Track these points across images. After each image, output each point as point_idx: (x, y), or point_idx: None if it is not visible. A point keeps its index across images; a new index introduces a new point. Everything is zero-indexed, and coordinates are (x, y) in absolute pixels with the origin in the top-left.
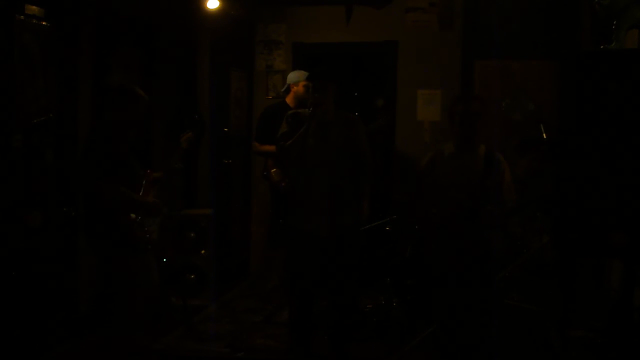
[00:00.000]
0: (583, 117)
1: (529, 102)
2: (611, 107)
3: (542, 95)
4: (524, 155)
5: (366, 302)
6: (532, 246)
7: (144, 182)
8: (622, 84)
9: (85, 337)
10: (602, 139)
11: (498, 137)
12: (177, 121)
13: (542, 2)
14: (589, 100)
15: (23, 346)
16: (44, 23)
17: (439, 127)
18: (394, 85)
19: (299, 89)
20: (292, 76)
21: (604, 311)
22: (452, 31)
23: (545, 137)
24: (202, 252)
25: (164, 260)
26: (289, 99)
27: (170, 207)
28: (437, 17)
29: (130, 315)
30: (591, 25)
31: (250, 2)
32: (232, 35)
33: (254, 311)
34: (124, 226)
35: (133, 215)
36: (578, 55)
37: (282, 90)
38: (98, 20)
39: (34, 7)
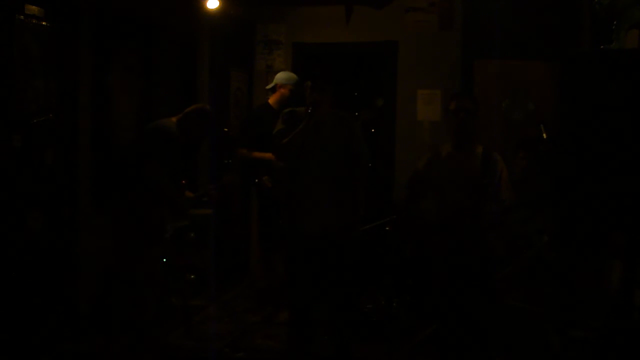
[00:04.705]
0: (583, 117)
1: (529, 102)
2: (611, 107)
3: (542, 95)
4: (523, 154)
5: (366, 302)
6: (532, 246)
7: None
8: (622, 84)
9: (85, 337)
10: (602, 138)
11: (498, 137)
12: None
13: (542, 2)
14: (588, 100)
15: (23, 346)
16: (44, 23)
17: (439, 127)
18: (394, 85)
19: (286, 91)
20: (282, 77)
21: (604, 311)
22: (452, 31)
23: (545, 137)
24: (202, 252)
25: (164, 260)
26: (272, 100)
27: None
28: (437, 17)
29: (132, 308)
30: (591, 25)
31: (250, 2)
32: (232, 35)
33: (254, 311)
34: (148, 214)
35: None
36: (578, 55)
37: (268, 87)
38: (98, 20)
39: (34, 7)
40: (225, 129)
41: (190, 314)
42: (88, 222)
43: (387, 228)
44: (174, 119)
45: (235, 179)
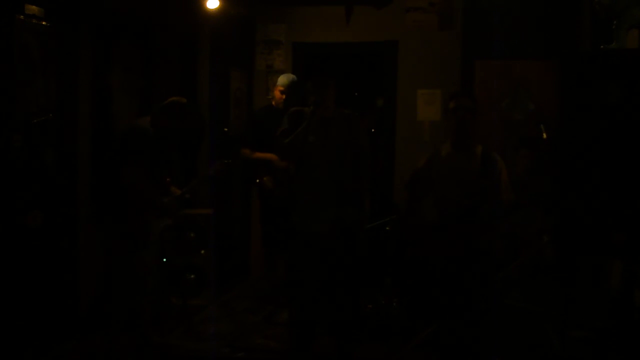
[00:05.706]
0: (583, 117)
1: (529, 102)
2: (611, 106)
3: (542, 95)
4: (525, 153)
5: (366, 302)
6: (532, 246)
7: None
8: (622, 84)
9: (85, 337)
10: (602, 138)
11: (498, 137)
12: None
13: (542, 2)
14: (589, 100)
15: (23, 346)
16: (44, 23)
17: (439, 127)
18: (394, 85)
19: (277, 92)
20: (278, 78)
21: (604, 311)
22: (452, 31)
23: (545, 137)
24: (202, 252)
25: (164, 260)
26: (274, 101)
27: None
28: (437, 17)
29: (129, 310)
30: (591, 25)
31: (250, 2)
32: (232, 35)
33: (254, 311)
34: (131, 219)
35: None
36: (578, 55)
37: None
38: (98, 20)
39: (34, 7)
40: (225, 129)
41: (190, 314)
42: (88, 222)
43: (387, 228)
44: (148, 118)
45: (224, 169)
